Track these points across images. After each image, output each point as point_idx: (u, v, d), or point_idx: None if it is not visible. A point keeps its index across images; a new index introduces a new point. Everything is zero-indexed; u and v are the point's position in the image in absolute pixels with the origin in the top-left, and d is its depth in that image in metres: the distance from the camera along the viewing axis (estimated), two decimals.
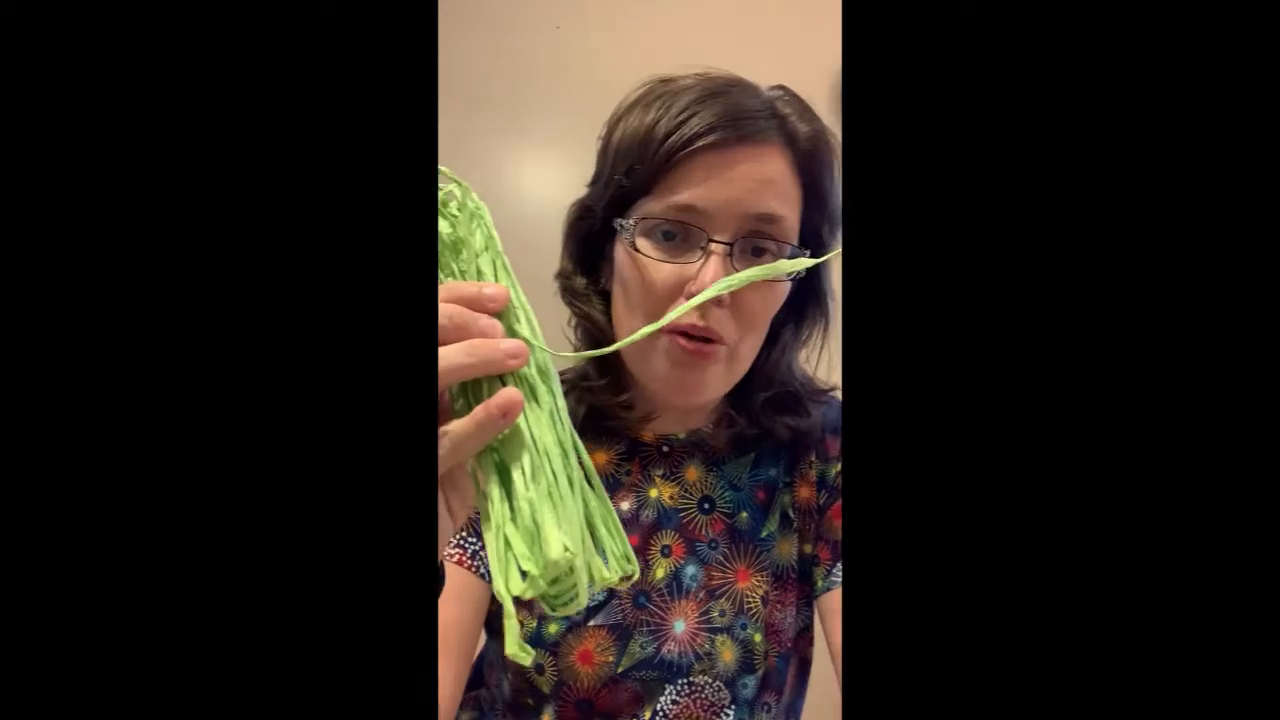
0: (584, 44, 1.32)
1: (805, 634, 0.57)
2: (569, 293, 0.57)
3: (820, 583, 0.56)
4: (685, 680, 0.52)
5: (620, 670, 0.51)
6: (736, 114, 0.47)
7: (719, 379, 0.52)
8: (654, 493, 0.56)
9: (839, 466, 0.56)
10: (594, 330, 0.55)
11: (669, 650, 0.52)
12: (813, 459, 0.58)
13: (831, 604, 0.55)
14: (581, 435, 0.56)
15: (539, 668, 0.52)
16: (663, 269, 0.48)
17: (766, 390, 0.56)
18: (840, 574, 0.54)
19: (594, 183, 0.54)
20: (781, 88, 0.54)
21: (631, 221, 0.49)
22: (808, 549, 0.56)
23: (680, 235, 0.48)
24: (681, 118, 0.47)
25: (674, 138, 0.47)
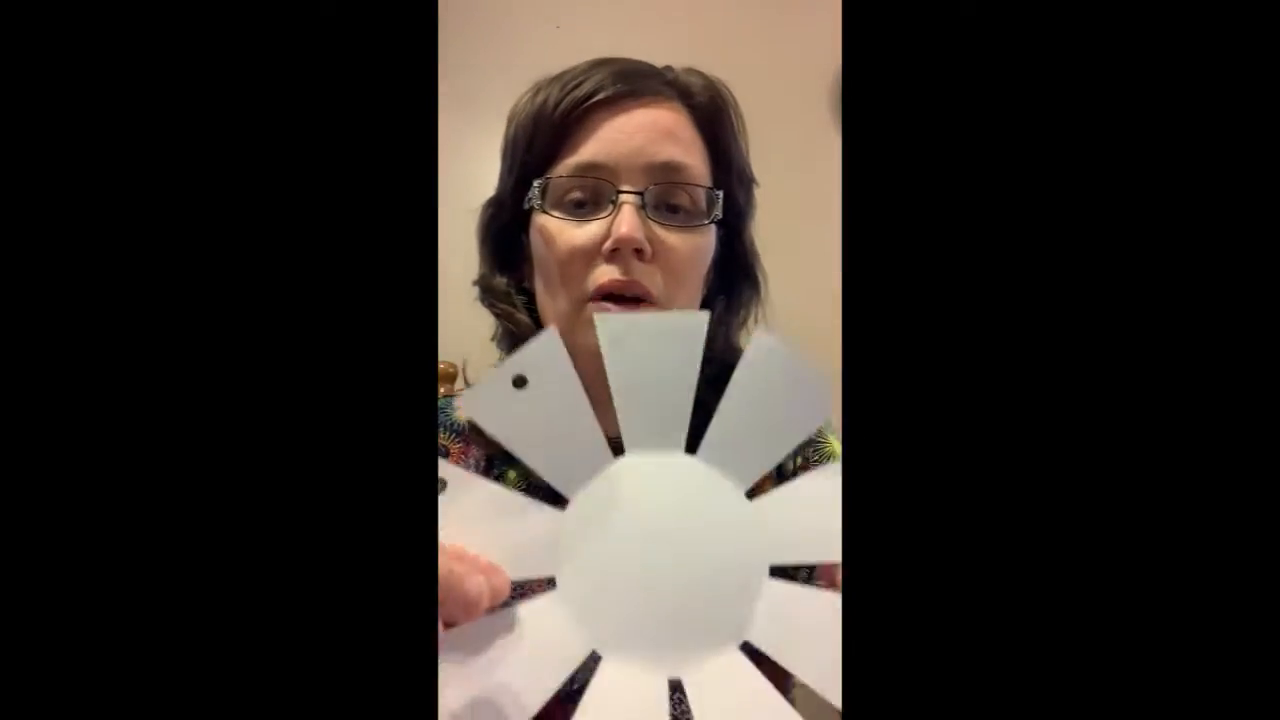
0: (584, 44, 1.32)
1: None
2: (489, 294, 0.57)
3: None
4: None
5: None
6: (629, 72, 0.48)
7: None
8: None
9: (797, 460, 0.58)
10: (517, 330, 0.56)
11: None
12: None
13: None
14: None
15: None
16: (579, 230, 0.49)
17: (707, 366, 0.57)
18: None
19: (501, 179, 0.55)
20: (670, 69, 0.55)
21: (538, 189, 0.49)
22: None
23: (590, 199, 0.49)
24: (575, 83, 0.48)
25: (568, 100, 0.48)
